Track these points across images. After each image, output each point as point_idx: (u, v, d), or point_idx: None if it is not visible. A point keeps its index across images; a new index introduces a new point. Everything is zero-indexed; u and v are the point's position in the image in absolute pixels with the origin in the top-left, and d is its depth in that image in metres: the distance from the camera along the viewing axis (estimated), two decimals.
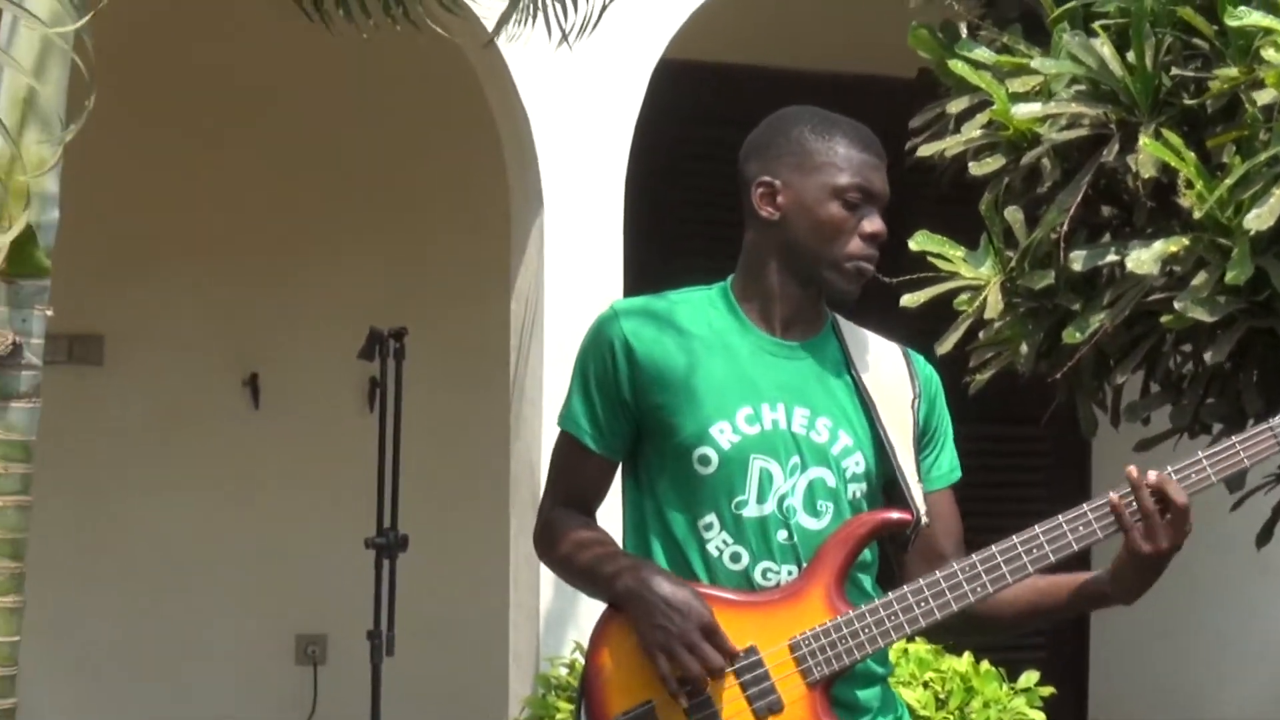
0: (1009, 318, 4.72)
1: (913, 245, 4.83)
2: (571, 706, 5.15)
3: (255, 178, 7.38)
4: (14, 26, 3.06)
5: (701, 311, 3.09)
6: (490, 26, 4.65)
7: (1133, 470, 2.98)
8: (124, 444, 7.30)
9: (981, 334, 4.83)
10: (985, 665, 5.10)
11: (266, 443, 7.42)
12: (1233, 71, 4.32)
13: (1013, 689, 5.11)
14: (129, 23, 7.07)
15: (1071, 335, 4.56)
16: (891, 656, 4.89)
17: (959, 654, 5.09)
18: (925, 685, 4.91)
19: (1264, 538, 4.87)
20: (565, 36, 3.82)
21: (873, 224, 3.05)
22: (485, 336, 6.39)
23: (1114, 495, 2.97)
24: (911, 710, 4.81)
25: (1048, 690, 5.16)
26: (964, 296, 4.83)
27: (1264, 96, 4.20)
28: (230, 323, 7.39)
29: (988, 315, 4.68)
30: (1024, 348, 4.78)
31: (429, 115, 7.37)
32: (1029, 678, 5.16)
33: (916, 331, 4.84)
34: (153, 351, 7.34)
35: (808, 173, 3.05)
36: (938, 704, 4.89)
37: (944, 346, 4.77)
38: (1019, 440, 7.58)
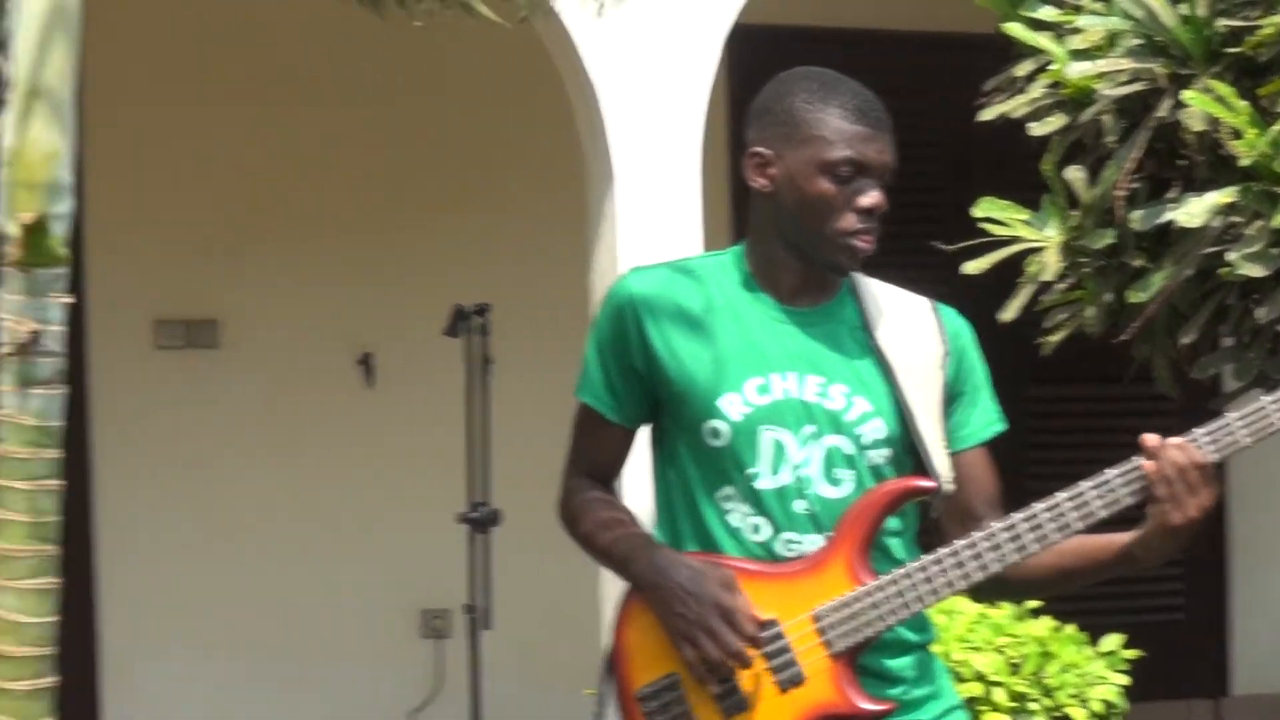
0: (1071, 278, 4.66)
1: (976, 213, 4.78)
2: None
3: (351, 158, 7.45)
4: (16, 4, 3.09)
5: (714, 278, 3.06)
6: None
7: (1147, 438, 2.90)
8: (241, 426, 7.42)
9: (1045, 297, 4.77)
10: (1070, 628, 5.03)
11: (381, 420, 7.50)
12: None
13: (1096, 653, 5.04)
14: (216, 11, 7.21)
15: (1135, 295, 4.49)
16: (966, 623, 4.89)
17: (1037, 617, 5.05)
18: (999, 651, 4.85)
19: None
20: (600, 7, 3.80)
21: (868, 198, 2.97)
22: (571, 310, 6.41)
23: (1147, 461, 2.88)
24: (982, 677, 4.78)
25: (1134, 653, 5.09)
26: (1032, 260, 4.78)
27: None
28: (342, 303, 7.48)
29: (1045, 277, 4.62)
30: (1092, 309, 4.71)
31: (510, 89, 7.41)
32: (1112, 640, 5.09)
33: (984, 304, 4.80)
34: (267, 334, 7.45)
35: (797, 145, 2.96)
36: (1011, 669, 4.83)
37: (1007, 314, 4.71)
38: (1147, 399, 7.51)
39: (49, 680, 3.30)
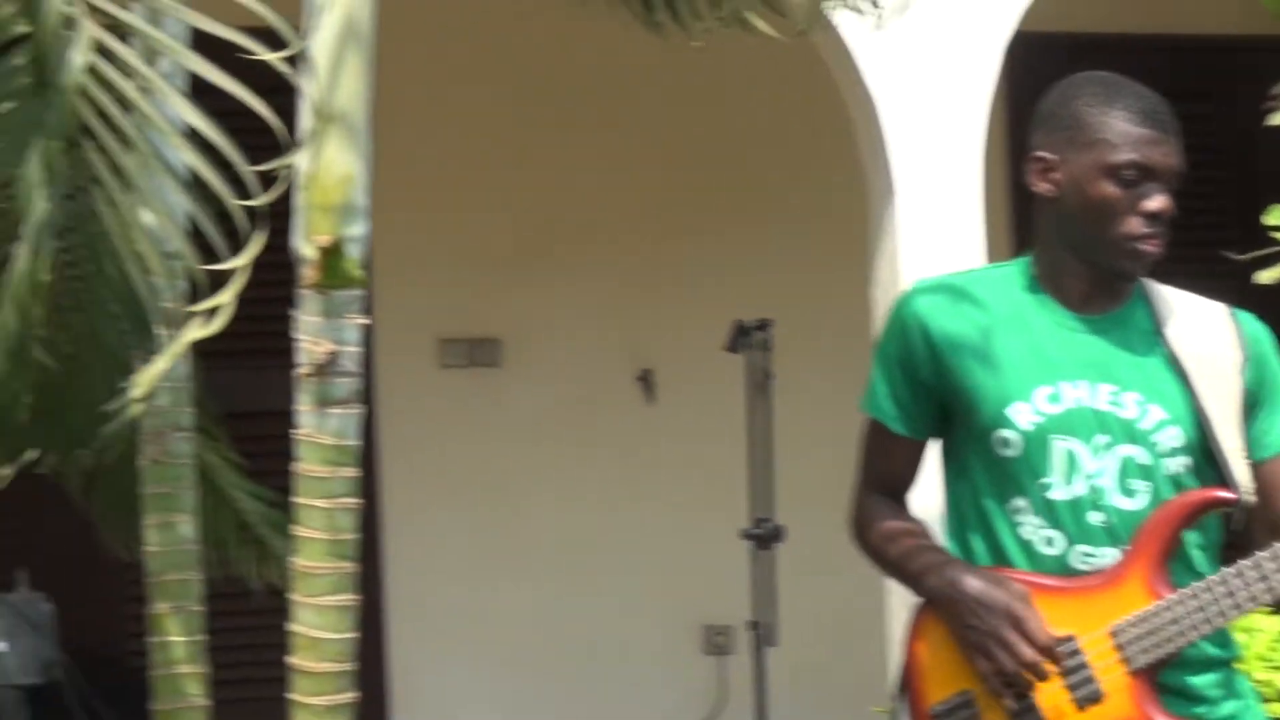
0: None
1: (1267, 220, 4.66)
2: None
3: (628, 175, 7.52)
4: (313, 29, 3.15)
5: (1000, 289, 3.03)
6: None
7: None
8: (523, 443, 7.50)
9: None
10: None
11: (661, 437, 7.55)
12: None
13: None
14: (499, 35, 7.30)
15: None
16: (1267, 641, 4.75)
17: None
18: None
19: None
20: (879, 19, 3.81)
21: (1153, 202, 2.92)
22: (852, 324, 6.39)
23: None
24: None
25: None
26: None
27: None
28: (622, 320, 7.55)
29: None
30: None
31: (788, 103, 7.41)
32: None
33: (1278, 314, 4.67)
34: (548, 352, 7.54)
35: (1080, 149, 2.92)
36: None
37: None
38: None
39: (348, 695, 3.35)
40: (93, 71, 3.08)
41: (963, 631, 2.90)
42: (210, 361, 4.03)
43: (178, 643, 3.86)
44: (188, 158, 3.09)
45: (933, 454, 3.10)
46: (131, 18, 3.19)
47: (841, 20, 4.86)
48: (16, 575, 4.76)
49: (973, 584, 2.90)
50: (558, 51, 7.34)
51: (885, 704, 5.66)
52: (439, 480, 7.46)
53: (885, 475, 3.11)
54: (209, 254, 3.23)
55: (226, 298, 3.04)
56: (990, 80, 5.81)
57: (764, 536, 5.92)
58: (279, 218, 3.18)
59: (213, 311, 3.08)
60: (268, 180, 3.00)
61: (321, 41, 3.12)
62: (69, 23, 3.04)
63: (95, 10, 3.12)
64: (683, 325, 7.44)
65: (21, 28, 3.85)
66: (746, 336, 5.98)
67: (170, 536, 3.87)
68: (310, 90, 3.14)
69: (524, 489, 7.51)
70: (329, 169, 3.17)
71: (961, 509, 3.03)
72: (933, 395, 3.01)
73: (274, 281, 3.82)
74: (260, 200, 2.95)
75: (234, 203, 2.97)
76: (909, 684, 3.01)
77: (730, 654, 7.46)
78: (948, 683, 2.95)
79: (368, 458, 7.29)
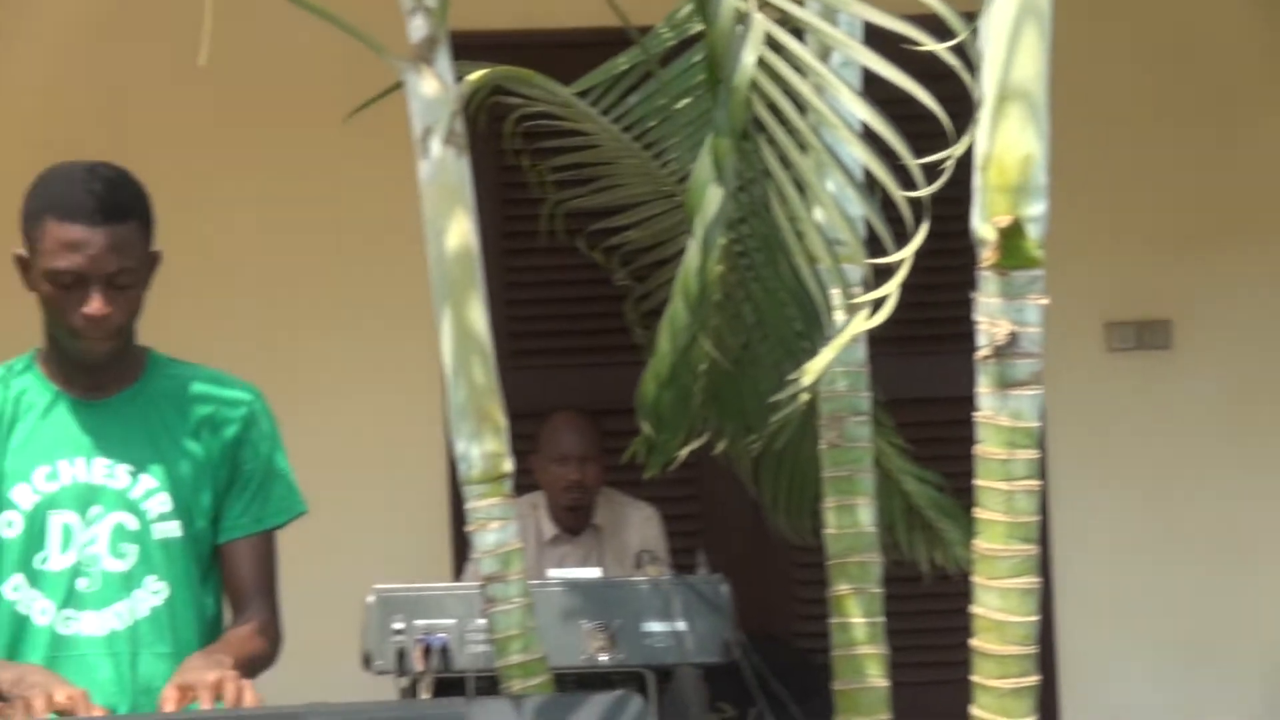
0: None
1: None
2: None
3: None
4: (989, 7, 3.13)
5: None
6: None
7: None
8: (1192, 428, 7.34)
9: None
10: None
11: None
12: None
13: None
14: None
15: None
16: None
17: None
18: None
19: None
20: None
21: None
22: None
23: None
24: None
25: None
26: None
27: None
28: None
29: None
30: None
31: None
32: None
33: None
34: (1220, 334, 7.37)
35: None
36: None
37: None
38: None
39: (1031, 679, 3.33)
40: (764, 65, 3.13)
41: None
42: (875, 348, 4.05)
43: (858, 624, 3.89)
44: (858, 153, 3.11)
45: None
46: (804, 14, 3.22)
47: None
48: (696, 557, 4.90)
49: None
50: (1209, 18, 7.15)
51: None
52: (1105, 465, 7.36)
53: None
54: (873, 243, 3.25)
55: (891, 288, 3.05)
56: None
57: None
58: (944, 204, 3.16)
59: (878, 303, 3.10)
60: (932, 170, 2.99)
61: (999, 18, 3.09)
62: (742, 19, 3.09)
63: (767, 5, 3.17)
64: None
65: (697, 26, 3.97)
66: None
67: (849, 519, 3.90)
68: (989, 69, 3.11)
69: (1193, 476, 7.35)
70: (1008, 149, 3.15)
71: None
72: None
73: (937, 268, 3.82)
74: (926, 192, 2.95)
75: (901, 195, 2.98)
76: None
77: None
78: None
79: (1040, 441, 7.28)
